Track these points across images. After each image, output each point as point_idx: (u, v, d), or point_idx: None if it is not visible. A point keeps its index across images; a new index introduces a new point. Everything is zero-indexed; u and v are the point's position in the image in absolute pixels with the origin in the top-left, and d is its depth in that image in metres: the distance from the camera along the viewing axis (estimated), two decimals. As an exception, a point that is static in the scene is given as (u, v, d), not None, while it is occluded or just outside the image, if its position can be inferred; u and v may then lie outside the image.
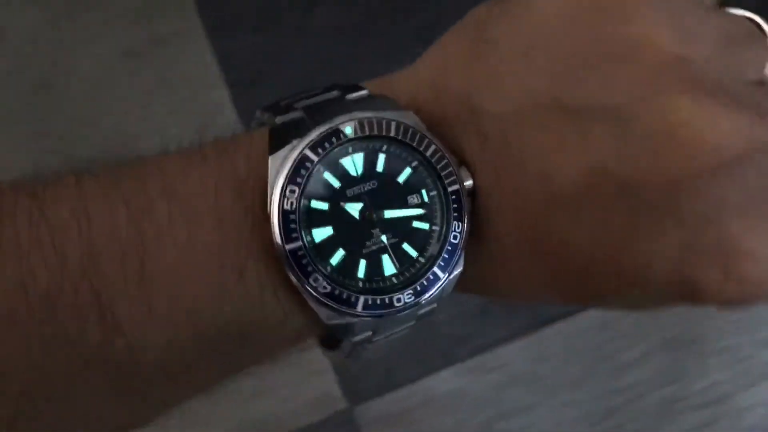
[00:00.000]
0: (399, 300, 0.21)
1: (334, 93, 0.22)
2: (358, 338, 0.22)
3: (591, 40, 0.20)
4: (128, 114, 0.63)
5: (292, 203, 0.20)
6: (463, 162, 0.22)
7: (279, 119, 0.22)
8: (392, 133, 0.22)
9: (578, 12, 0.20)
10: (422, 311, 0.22)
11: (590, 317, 0.51)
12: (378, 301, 0.21)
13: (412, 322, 0.22)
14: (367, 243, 0.21)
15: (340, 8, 0.63)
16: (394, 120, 0.22)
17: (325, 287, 0.20)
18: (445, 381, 0.51)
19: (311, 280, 0.20)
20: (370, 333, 0.22)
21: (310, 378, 0.50)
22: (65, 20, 0.65)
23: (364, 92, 0.22)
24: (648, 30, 0.19)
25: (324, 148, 0.21)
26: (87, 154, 0.64)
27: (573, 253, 0.20)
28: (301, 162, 0.21)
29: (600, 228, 0.20)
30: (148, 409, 0.23)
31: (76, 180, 0.21)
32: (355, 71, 0.61)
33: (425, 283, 0.21)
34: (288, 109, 0.22)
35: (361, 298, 0.21)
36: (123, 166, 0.22)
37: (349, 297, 0.21)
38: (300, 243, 0.20)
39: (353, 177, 0.21)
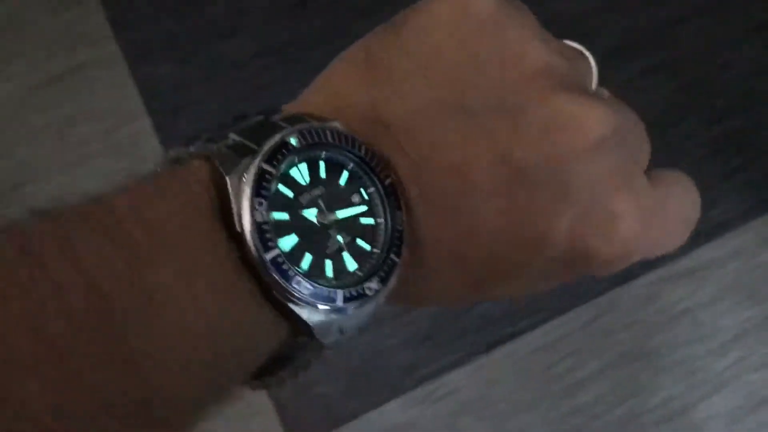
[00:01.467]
0: (370, 288, 0.23)
1: (259, 117, 0.24)
2: (330, 339, 0.23)
3: (477, 52, 0.24)
4: (44, 145, 0.59)
5: (262, 214, 0.22)
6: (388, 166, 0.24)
7: (219, 145, 0.23)
8: (330, 140, 0.23)
9: (463, 32, 0.24)
10: (383, 298, 0.24)
11: (536, 337, 0.50)
12: (354, 293, 0.23)
13: (374, 313, 0.24)
14: (328, 244, 0.23)
15: (258, 36, 0.62)
16: (327, 128, 0.24)
17: (308, 287, 0.22)
18: (392, 413, 0.49)
19: (294, 284, 0.22)
20: (339, 334, 0.23)
21: (252, 418, 0.48)
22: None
23: (288, 112, 0.24)
24: (521, 42, 0.24)
25: (278, 160, 0.22)
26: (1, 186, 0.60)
27: (483, 235, 0.23)
28: (262, 175, 0.22)
29: (507, 210, 0.22)
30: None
31: (53, 219, 0.21)
32: (275, 96, 0.60)
33: (386, 269, 0.23)
34: (223, 137, 0.23)
35: (339, 292, 0.22)
36: (80, 205, 0.22)
37: (329, 294, 0.22)
38: (278, 251, 0.22)
39: (302, 185, 0.23)
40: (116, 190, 0.22)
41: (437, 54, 0.24)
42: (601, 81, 0.26)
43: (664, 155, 0.24)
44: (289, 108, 0.25)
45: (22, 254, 0.20)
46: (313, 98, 0.25)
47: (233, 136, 0.23)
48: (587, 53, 0.26)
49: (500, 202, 0.23)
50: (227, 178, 0.22)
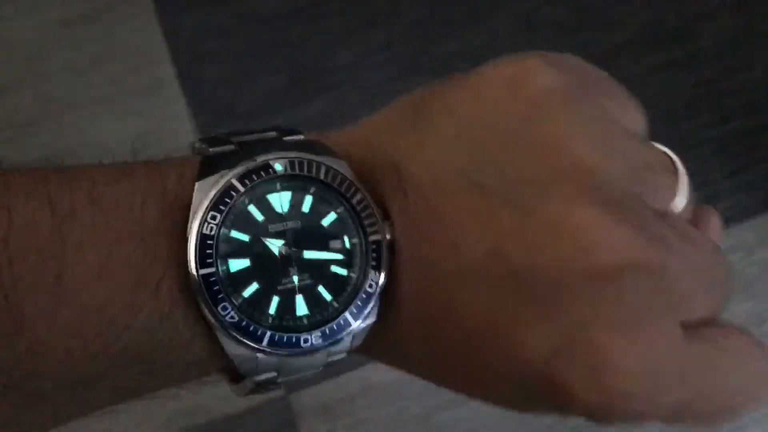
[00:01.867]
0: (306, 341, 0.21)
1: (272, 134, 0.23)
2: (261, 377, 0.22)
3: (517, 130, 0.21)
4: (66, 82, 0.60)
5: (212, 228, 0.21)
6: (386, 217, 0.22)
7: (212, 150, 0.22)
8: (321, 176, 0.22)
9: (512, 104, 0.21)
10: (332, 359, 0.22)
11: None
12: (285, 339, 0.21)
13: (319, 369, 0.22)
14: (283, 281, 0.21)
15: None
16: (324, 164, 0.22)
17: (233, 317, 0.21)
18: (384, 371, 0.50)
19: (220, 308, 0.20)
20: (274, 374, 0.22)
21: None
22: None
23: (300, 136, 0.23)
24: (563, 134, 0.21)
25: (251, 180, 0.21)
26: (20, 119, 0.62)
27: (459, 327, 0.21)
28: (227, 191, 0.21)
29: (488, 309, 0.20)
30: (43, 421, 0.22)
31: (2, 175, 0.21)
32: (301, 55, 0.61)
33: (335, 327, 0.21)
34: (224, 142, 0.22)
35: (268, 333, 0.21)
36: (52, 168, 0.22)
37: (255, 330, 0.21)
38: (214, 269, 0.21)
39: (278, 213, 0.22)
40: (100, 165, 0.22)
41: (476, 123, 0.21)
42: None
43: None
44: (316, 134, 0.24)
45: None
46: (351, 130, 0.24)
47: (231, 145, 0.22)
48: (678, 164, 0.22)
49: (484, 296, 0.20)
50: (196, 184, 0.21)
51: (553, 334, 0.19)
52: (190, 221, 0.21)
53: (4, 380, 0.20)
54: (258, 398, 0.49)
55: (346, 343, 0.22)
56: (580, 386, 0.19)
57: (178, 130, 0.58)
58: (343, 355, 0.22)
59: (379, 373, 0.50)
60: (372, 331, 0.22)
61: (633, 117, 0.23)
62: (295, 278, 0.21)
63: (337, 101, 0.58)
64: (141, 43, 0.62)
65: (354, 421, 0.49)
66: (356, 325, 0.22)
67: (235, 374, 0.22)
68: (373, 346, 0.23)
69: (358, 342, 0.22)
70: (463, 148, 0.21)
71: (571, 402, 0.20)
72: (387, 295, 0.22)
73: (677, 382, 0.20)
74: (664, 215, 0.21)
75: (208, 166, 0.22)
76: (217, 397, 0.49)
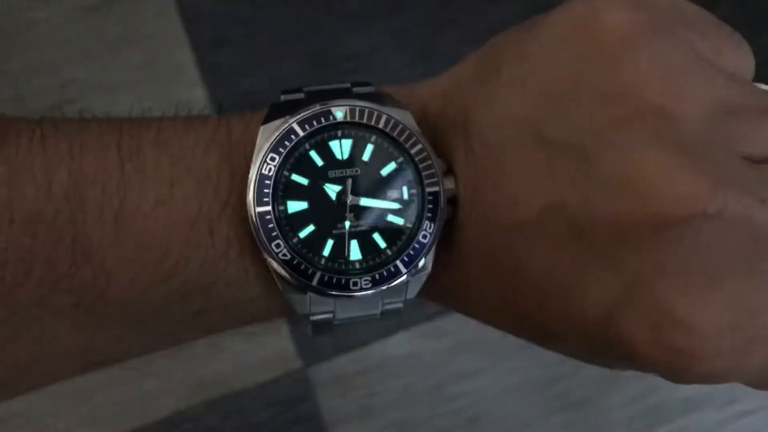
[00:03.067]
0: (356, 284, 0.22)
1: (345, 85, 0.23)
2: (316, 318, 0.22)
3: (583, 76, 0.20)
4: (89, 66, 0.62)
5: (270, 169, 0.22)
6: (451, 169, 0.22)
7: (283, 97, 0.23)
8: (381, 125, 0.22)
9: (580, 48, 0.20)
10: (387, 307, 0.23)
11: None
12: (334, 280, 0.22)
13: (375, 313, 0.23)
14: (339, 225, 0.22)
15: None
16: (386, 114, 0.22)
17: (285, 255, 0.21)
18: (398, 345, 0.52)
19: (273, 246, 0.21)
20: (329, 315, 0.23)
21: (265, 336, 0.51)
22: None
23: (370, 88, 0.23)
24: (635, 77, 0.19)
25: (311, 125, 0.22)
26: (44, 103, 0.63)
27: (524, 281, 0.21)
28: (287, 134, 0.22)
29: (550, 262, 0.20)
30: (116, 347, 0.23)
31: (79, 120, 0.23)
32: (321, 40, 0.62)
33: (385, 273, 0.22)
34: (295, 91, 0.23)
35: (318, 273, 0.21)
36: (127, 118, 0.23)
37: (306, 269, 0.21)
38: (269, 208, 0.21)
39: (338, 160, 0.22)
40: (170, 116, 0.24)
41: (543, 69, 0.21)
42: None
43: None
44: (397, 90, 0.24)
45: (43, 143, 0.21)
46: (433, 81, 0.24)
47: (300, 93, 0.23)
48: None
49: (544, 251, 0.20)
50: (261, 128, 0.22)
51: (615, 287, 0.19)
52: (252, 163, 0.22)
53: (75, 299, 0.21)
54: (276, 370, 0.51)
55: (399, 291, 0.22)
56: (642, 341, 0.19)
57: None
58: (398, 305, 0.23)
59: (392, 347, 0.52)
60: (435, 280, 0.23)
61: (732, 55, 0.21)
62: (351, 224, 0.22)
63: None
64: (160, 28, 0.64)
65: (368, 393, 0.51)
66: (405, 273, 0.22)
67: (293, 315, 0.23)
68: (439, 293, 0.24)
69: (413, 293, 0.23)
70: (529, 96, 0.20)
71: (635, 357, 0.19)
72: (451, 245, 0.22)
73: (763, 345, 0.18)
74: (754, 159, 0.19)
75: (275, 113, 0.22)
76: (240, 367, 0.51)
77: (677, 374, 0.19)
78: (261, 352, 0.51)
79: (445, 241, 0.23)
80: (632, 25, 0.19)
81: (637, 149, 0.19)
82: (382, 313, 0.23)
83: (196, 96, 0.61)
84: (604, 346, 0.20)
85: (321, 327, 0.23)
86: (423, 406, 0.51)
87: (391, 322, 0.27)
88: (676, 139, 0.18)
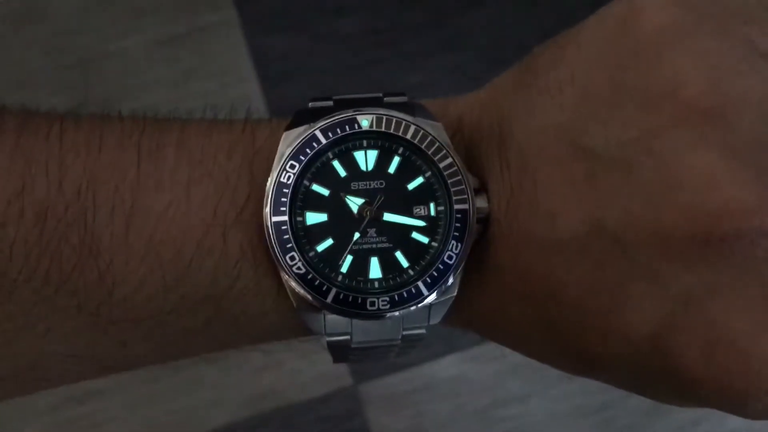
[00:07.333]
0: (373, 303, 0.20)
1: (375, 94, 0.23)
2: (333, 338, 0.21)
3: (623, 79, 0.18)
4: (161, 95, 0.65)
5: (289, 177, 0.21)
6: (484, 186, 0.21)
7: (311, 104, 0.22)
8: (408, 136, 0.21)
9: (618, 51, 0.19)
10: (408, 332, 0.21)
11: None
12: (350, 298, 0.20)
13: (396, 338, 0.21)
14: (359, 240, 0.21)
15: (367, 16, 0.67)
16: (415, 125, 0.21)
17: (300, 268, 0.20)
18: (447, 367, 0.53)
19: (288, 258, 0.20)
20: (346, 336, 0.21)
21: (318, 353, 0.52)
22: (107, 4, 0.68)
23: (403, 98, 0.22)
24: (679, 78, 0.17)
25: (335, 133, 0.21)
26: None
27: (563, 302, 0.19)
28: (309, 141, 0.21)
29: (591, 281, 0.18)
30: (120, 353, 0.22)
31: (102, 116, 0.22)
32: (377, 75, 0.65)
33: (405, 294, 0.20)
34: (325, 99, 0.22)
35: (334, 290, 0.20)
36: (150, 116, 0.23)
37: (321, 285, 0.20)
38: (285, 218, 0.20)
39: (362, 171, 0.21)
40: (195, 118, 0.23)
41: (581, 74, 0.19)
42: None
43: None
44: (435, 103, 0.23)
45: (61, 137, 0.20)
46: (473, 94, 0.23)
47: (329, 101, 0.22)
48: None
49: (583, 270, 0.18)
50: (283, 134, 0.21)
51: (662, 305, 0.17)
52: (272, 169, 0.21)
53: (79, 301, 0.20)
54: (328, 386, 0.52)
55: (421, 315, 0.21)
56: (693, 364, 0.17)
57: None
58: (421, 330, 0.21)
59: (442, 369, 0.53)
60: (467, 304, 0.21)
61: None
62: (373, 240, 0.21)
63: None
64: (229, 61, 0.67)
65: (417, 412, 0.52)
66: (428, 295, 0.20)
67: (308, 334, 0.22)
68: (472, 318, 0.22)
69: (437, 317, 0.21)
70: (566, 103, 0.19)
71: (684, 383, 0.17)
72: (483, 265, 0.21)
73: None
74: None
75: (299, 119, 0.22)
76: (292, 383, 0.52)
77: (735, 404, 0.17)
78: (314, 368, 0.53)
79: (477, 260, 0.21)
80: (675, 23, 0.18)
81: (681, 155, 0.17)
82: (402, 339, 0.21)
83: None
84: (651, 371, 0.18)
85: (338, 350, 0.22)
86: (471, 428, 0.52)
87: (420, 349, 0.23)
88: (725, 142, 0.17)
